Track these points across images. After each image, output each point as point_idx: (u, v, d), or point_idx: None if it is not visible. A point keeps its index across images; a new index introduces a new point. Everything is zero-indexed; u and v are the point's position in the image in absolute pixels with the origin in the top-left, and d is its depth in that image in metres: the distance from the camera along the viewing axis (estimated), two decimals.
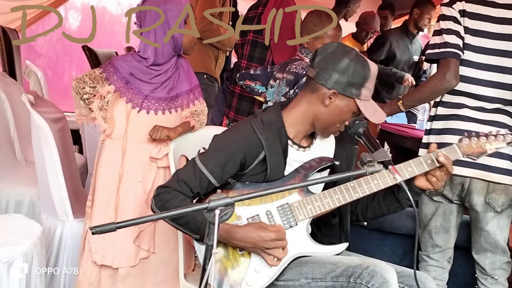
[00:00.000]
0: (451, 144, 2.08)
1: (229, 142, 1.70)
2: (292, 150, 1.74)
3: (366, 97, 1.68)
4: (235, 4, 4.51)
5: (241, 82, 3.00)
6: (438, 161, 1.61)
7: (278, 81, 2.72)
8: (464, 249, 2.38)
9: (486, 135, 1.66)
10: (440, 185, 1.66)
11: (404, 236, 2.68)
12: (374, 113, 1.69)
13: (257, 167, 1.70)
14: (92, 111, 2.13)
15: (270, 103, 2.73)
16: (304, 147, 1.77)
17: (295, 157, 1.74)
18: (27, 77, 4.85)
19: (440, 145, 2.13)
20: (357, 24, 4.88)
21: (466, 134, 1.68)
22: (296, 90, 2.54)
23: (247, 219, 1.68)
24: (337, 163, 1.75)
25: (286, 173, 1.73)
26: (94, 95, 2.13)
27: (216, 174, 1.67)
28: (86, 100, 2.15)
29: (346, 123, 1.71)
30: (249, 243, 1.61)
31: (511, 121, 2.11)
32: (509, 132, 1.67)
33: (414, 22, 4.37)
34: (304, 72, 2.52)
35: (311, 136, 1.81)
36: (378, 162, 1.44)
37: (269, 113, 1.76)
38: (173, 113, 2.21)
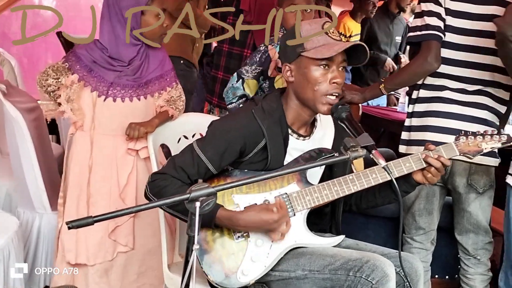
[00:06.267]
0: (434, 126, 2.11)
1: (228, 129, 1.67)
2: (292, 139, 1.71)
3: (314, 45, 1.61)
4: None
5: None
6: (427, 162, 1.64)
7: None
8: (447, 231, 2.40)
9: (483, 135, 1.69)
10: (436, 180, 1.68)
11: (387, 219, 2.69)
12: (330, 48, 1.58)
13: (257, 156, 1.67)
14: (60, 104, 2.08)
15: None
16: (304, 136, 1.74)
17: (295, 146, 1.71)
18: (1, 65, 4.71)
19: (422, 128, 2.15)
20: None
21: (463, 132, 1.71)
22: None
23: (245, 207, 1.65)
24: (336, 154, 1.71)
25: (285, 162, 1.70)
26: (59, 88, 2.09)
27: (214, 162, 1.64)
28: (51, 93, 2.11)
29: (323, 83, 1.61)
30: (253, 227, 1.59)
31: (492, 102, 2.11)
32: (505, 133, 1.70)
33: (396, 2, 4.34)
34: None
35: (312, 125, 1.78)
36: (362, 147, 1.42)
37: (269, 101, 1.72)
38: (142, 100, 2.17)
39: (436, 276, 2.63)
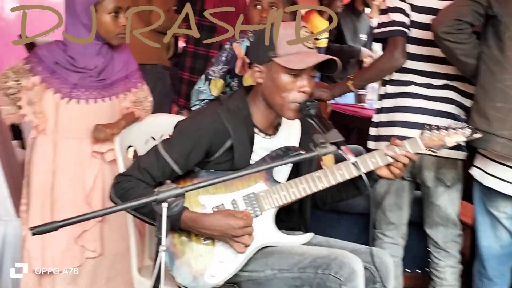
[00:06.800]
0: (401, 121, 2.14)
1: (194, 130, 1.63)
2: (258, 138, 1.69)
3: (287, 51, 1.58)
4: None
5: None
6: (393, 157, 1.63)
7: None
8: (416, 224, 2.41)
9: (447, 128, 1.68)
10: (401, 175, 1.67)
11: (359, 215, 2.71)
12: (303, 60, 1.57)
13: (223, 156, 1.65)
14: (21, 107, 2.02)
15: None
16: (270, 135, 1.73)
17: (262, 145, 1.70)
18: None
19: (390, 123, 2.17)
20: None
21: (427, 126, 1.69)
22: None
23: (212, 208, 1.63)
24: (303, 152, 1.69)
25: (252, 162, 1.68)
26: (19, 90, 2.03)
27: (180, 163, 1.61)
28: (11, 96, 2.04)
29: (291, 91, 1.59)
30: (217, 231, 1.56)
31: (458, 96, 2.15)
32: (467, 125, 1.70)
33: None
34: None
35: (278, 123, 1.76)
36: (331, 143, 1.41)
37: (235, 101, 1.69)
38: (107, 101, 2.12)
39: (407, 270, 2.66)
